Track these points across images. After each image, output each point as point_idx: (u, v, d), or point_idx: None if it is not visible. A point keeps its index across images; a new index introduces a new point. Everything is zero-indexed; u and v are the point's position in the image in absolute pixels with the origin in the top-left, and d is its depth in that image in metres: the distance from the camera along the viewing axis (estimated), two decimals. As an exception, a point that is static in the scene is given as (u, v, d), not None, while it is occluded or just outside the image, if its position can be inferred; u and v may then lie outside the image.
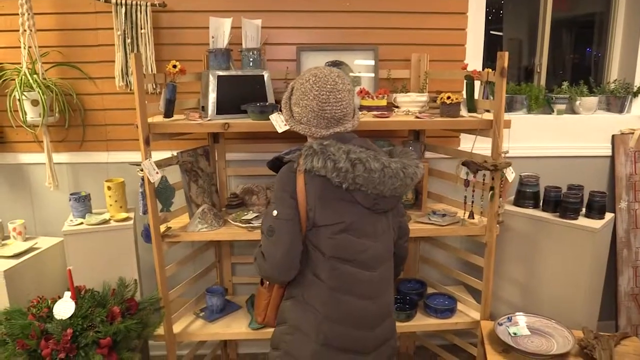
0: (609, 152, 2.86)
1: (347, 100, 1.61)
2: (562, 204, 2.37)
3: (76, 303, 1.97)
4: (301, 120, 1.64)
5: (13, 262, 2.23)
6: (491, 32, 2.78)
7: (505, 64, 2.02)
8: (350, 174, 1.52)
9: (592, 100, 2.86)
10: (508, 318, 2.26)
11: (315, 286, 1.61)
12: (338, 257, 1.59)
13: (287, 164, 1.62)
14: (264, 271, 1.64)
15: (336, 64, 2.53)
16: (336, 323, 1.61)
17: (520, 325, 2.24)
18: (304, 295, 1.64)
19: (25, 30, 2.32)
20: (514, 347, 2.05)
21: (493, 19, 2.87)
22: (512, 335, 2.16)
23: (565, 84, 2.90)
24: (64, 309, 1.94)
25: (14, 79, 2.36)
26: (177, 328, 2.31)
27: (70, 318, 1.92)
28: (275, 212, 1.59)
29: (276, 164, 1.69)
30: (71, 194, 2.43)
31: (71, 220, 2.39)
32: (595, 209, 2.36)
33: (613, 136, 2.85)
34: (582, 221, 2.33)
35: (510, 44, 3.31)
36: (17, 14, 2.31)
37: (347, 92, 1.61)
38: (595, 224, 2.30)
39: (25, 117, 2.37)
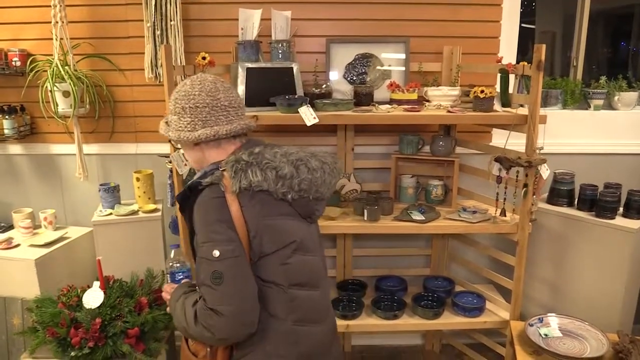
0: (648, 150, 2.76)
1: (233, 91, 1.40)
2: (598, 202, 2.29)
3: (105, 293, 2.00)
4: (196, 126, 1.33)
5: (44, 251, 2.27)
6: (522, 24, 2.70)
7: (542, 57, 1.95)
8: (296, 179, 1.29)
9: (632, 95, 2.75)
10: (539, 319, 2.20)
11: (273, 329, 1.31)
12: (296, 283, 1.33)
13: (206, 189, 1.29)
14: (219, 333, 1.23)
15: (366, 56, 2.49)
16: None
17: (552, 326, 2.17)
18: (264, 345, 1.31)
19: (57, 22, 2.34)
20: (545, 348, 1.99)
21: (524, 12, 2.78)
22: (543, 336, 2.10)
23: (603, 79, 2.80)
24: (93, 298, 1.97)
25: (46, 71, 2.39)
26: (203, 320, 2.32)
27: (99, 307, 1.94)
28: (216, 253, 1.23)
29: (188, 195, 1.34)
30: (101, 185, 2.46)
31: (100, 211, 2.42)
32: (634, 209, 2.28)
33: (653, 133, 2.75)
34: (619, 221, 2.26)
35: (542, 37, 3.21)
36: (50, 6, 2.33)
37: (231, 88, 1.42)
38: (634, 224, 2.22)
39: (57, 108, 2.40)
